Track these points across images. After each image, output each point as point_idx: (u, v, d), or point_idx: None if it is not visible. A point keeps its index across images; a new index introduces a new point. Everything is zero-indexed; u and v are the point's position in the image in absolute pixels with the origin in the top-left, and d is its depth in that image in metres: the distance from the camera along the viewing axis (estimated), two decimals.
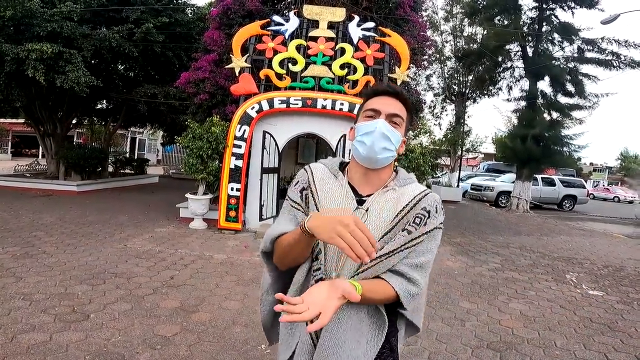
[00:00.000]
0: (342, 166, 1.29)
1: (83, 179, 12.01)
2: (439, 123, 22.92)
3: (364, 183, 1.21)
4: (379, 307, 1.16)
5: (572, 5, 14.33)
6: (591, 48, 14.36)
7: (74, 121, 14.72)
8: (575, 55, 14.68)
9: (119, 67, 13.00)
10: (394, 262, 1.12)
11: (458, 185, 18.24)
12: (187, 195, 7.48)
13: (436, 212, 1.17)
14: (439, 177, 21.13)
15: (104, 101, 14.36)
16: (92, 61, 11.06)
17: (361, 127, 1.19)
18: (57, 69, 9.32)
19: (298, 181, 1.29)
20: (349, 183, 1.22)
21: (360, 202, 1.19)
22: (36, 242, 5.69)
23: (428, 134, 24.43)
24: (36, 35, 9.27)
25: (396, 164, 1.29)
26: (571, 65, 14.65)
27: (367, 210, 1.17)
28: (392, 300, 1.11)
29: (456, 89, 20.61)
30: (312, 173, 1.27)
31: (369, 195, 1.20)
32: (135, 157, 21.15)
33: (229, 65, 7.60)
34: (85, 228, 6.78)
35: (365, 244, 0.91)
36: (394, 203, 1.18)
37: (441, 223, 1.19)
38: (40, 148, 16.00)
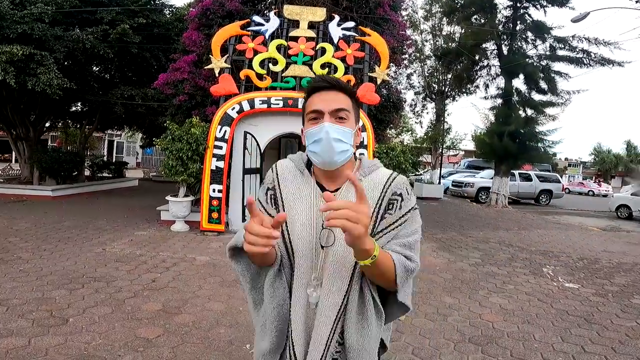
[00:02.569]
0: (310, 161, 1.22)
1: (58, 184, 11.67)
2: (420, 121, 23.31)
3: (328, 179, 1.16)
4: (376, 299, 1.09)
5: (545, 3, 14.73)
6: (563, 46, 14.79)
7: (47, 124, 14.33)
8: (548, 53, 15.10)
9: (94, 68, 12.70)
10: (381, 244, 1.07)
11: (439, 182, 18.53)
12: (168, 197, 7.37)
13: (408, 193, 1.14)
14: (420, 174, 21.42)
15: (79, 103, 14.02)
16: (65, 63, 10.78)
17: (309, 134, 1.12)
18: (28, 72, 9.07)
19: (265, 181, 1.24)
20: (315, 180, 1.17)
21: None
22: (11, 247, 5.52)
23: (410, 132, 24.74)
24: (6, 37, 8.99)
25: (356, 153, 1.23)
26: (544, 63, 15.06)
27: None
28: (390, 280, 1.03)
29: (436, 88, 20.95)
30: (277, 172, 1.23)
31: (336, 190, 1.15)
32: (113, 160, 20.73)
33: (209, 66, 7.53)
34: (62, 233, 6.61)
35: (263, 233, 0.88)
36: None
37: (415, 204, 1.15)
38: (13, 152, 15.49)
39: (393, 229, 1.10)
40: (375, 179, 1.16)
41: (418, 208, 1.17)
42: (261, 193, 1.23)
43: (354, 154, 1.19)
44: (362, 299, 1.09)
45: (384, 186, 1.14)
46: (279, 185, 1.19)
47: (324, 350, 1.07)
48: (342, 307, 1.08)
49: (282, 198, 1.17)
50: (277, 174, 1.22)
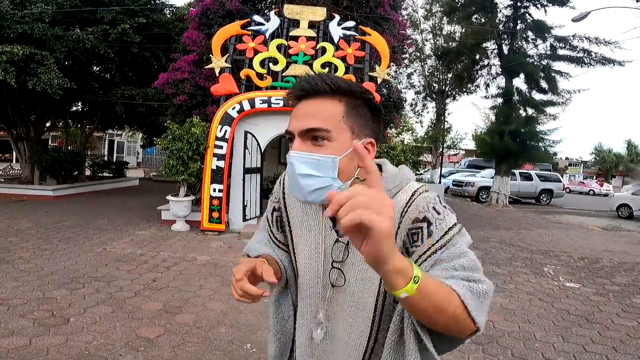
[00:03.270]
0: None
1: (59, 183, 11.68)
2: (420, 120, 23.28)
3: None
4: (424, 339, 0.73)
5: (545, 3, 14.72)
6: (563, 45, 14.76)
7: (48, 124, 14.31)
8: (549, 52, 15.08)
9: (95, 68, 12.71)
10: None
11: (440, 182, 18.52)
12: (169, 197, 7.38)
13: (439, 213, 0.82)
14: (421, 174, 21.42)
15: (80, 103, 14.01)
16: (66, 63, 10.78)
17: None
18: (28, 71, 9.07)
19: (272, 197, 1.06)
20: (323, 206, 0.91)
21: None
22: (12, 247, 5.52)
23: (410, 131, 24.74)
24: (6, 37, 9.00)
25: (379, 162, 0.93)
26: (544, 62, 15.05)
27: (347, 245, 0.89)
28: (454, 317, 0.68)
29: (436, 87, 20.95)
30: (283, 189, 1.02)
31: None
32: (114, 160, 20.74)
33: (209, 66, 7.53)
34: (63, 233, 6.62)
35: (251, 293, 0.80)
36: None
37: (456, 223, 0.83)
38: (14, 152, 15.50)
39: (426, 258, 0.78)
40: (399, 204, 0.84)
41: (461, 226, 0.84)
42: (268, 210, 1.07)
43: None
44: (398, 346, 0.79)
45: (401, 213, 0.83)
46: (285, 208, 1.01)
47: None
48: (367, 357, 0.88)
49: (289, 225, 1.00)
50: (283, 191, 1.02)
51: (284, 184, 1.02)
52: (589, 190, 31.99)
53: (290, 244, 1.01)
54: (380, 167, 0.92)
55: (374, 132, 0.87)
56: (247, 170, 7.33)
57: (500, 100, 15.93)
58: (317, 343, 0.94)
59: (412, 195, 0.84)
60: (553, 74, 14.90)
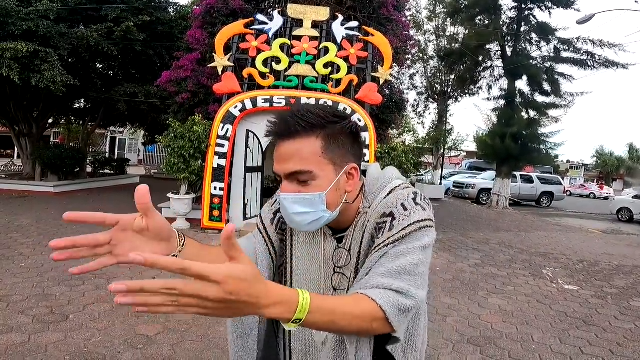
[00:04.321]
0: None
1: (60, 180, 11.71)
2: (422, 122, 23.38)
3: (338, 219, 0.91)
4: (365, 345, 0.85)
5: (550, 5, 14.70)
6: (567, 48, 14.76)
7: (50, 121, 14.37)
8: (552, 54, 15.07)
9: (98, 66, 12.74)
10: (358, 279, 0.85)
11: (441, 183, 18.51)
12: (170, 195, 7.39)
13: (404, 210, 0.85)
14: (422, 175, 21.41)
15: (82, 100, 14.05)
16: (70, 60, 10.82)
17: None
18: (32, 68, 9.10)
19: (274, 199, 1.04)
20: None
21: (340, 239, 0.94)
22: (12, 244, 5.54)
23: (411, 132, 24.74)
24: (11, 34, 9.03)
25: (364, 168, 0.98)
26: (548, 64, 15.04)
27: (349, 251, 0.92)
28: (372, 327, 0.75)
29: (439, 88, 20.96)
30: None
31: (345, 229, 0.93)
32: (115, 157, 20.77)
33: (212, 64, 7.54)
34: (63, 229, 6.63)
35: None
36: (362, 229, 0.90)
37: (421, 220, 0.84)
38: (16, 148, 15.54)
39: (377, 250, 0.83)
40: (376, 202, 0.90)
41: (429, 226, 0.86)
42: (268, 209, 1.04)
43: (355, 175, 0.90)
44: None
45: (374, 212, 0.88)
46: None
47: None
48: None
49: (291, 231, 0.99)
50: None
51: None
52: (590, 194, 31.93)
53: (288, 251, 1.00)
54: (364, 172, 0.97)
55: (356, 156, 0.90)
56: (248, 169, 7.35)
57: (502, 102, 15.93)
58: (319, 346, 0.92)
59: (389, 193, 0.89)
60: (556, 77, 14.89)
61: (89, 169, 15.00)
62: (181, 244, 0.80)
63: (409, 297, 0.77)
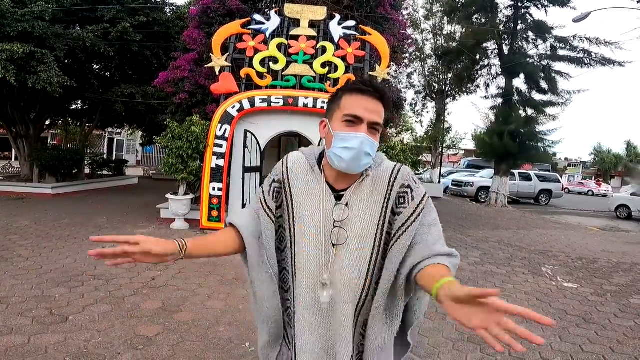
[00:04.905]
0: (322, 157, 1.19)
1: (58, 181, 11.67)
2: (420, 120, 23.29)
3: (338, 178, 1.13)
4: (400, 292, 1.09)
5: (546, 3, 14.72)
6: (563, 46, 14.78)
7: (47, 122, 14.30)
8: (549, 53, 15.09)
9: (95, 66, 12.68)
10: (404, 245, 1.05)
11: (439, 182, 18.54)
12: (168, 195, 7.38)
13: (415, 183, 1.12)
14: (420, 173, 21.42)
15: (79, 101, 13.99)
16: (66, 61, 10.76)
17: (341, 137, 1.07)
18: (28, 70, 9.05)
19: (273, 174, 1.23)
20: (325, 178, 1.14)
21: (339, 197, 1.11)
22: (11, 245, 5.53)
23: (410, 131, 24.74)
24: (6, 35, 8.98)
25: None
26: (545, 62, 15.06)
27: (347, 205, 1.10)
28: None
29: (436, 87, 20.96)
30: (287, 166, 1.20)
31: (345, 190, 1.12)
32: (113, 158, 20.73)
33: (209, 65, 7.52)
34: (62, 231, 6.62)
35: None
36: (371, 189, 1.11)
37: (425, 192, 1.12)
38: (13, 150, 15.49)
39: (413, 221, 1.07)
40: (380, 173, 1.14)
41: (429, 196, 1.14)
42: (266, 183, 1.22)
43: None
44: (390, 294, 1.09)
45: (390, 179, 1.12)
46: (289, 181, 1.17)
47: (353, 344, 1.11)
48: (362, 302, 1.10)
49: (291, 194, 1.16)
50: (287, 168, 1.19)
51: (287, 162, 1.20)
52: (588, 191, 32.02)
53: (289, 212, 1.16)
54: None
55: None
56: (246, 169, 7.34)
57: (500, 100, 15.95)
58: (323, 307, 1.09)
59: (395, 167, 1.15)
60: (553, 75, 14.92)
61: (87, 171, 14.94)
62: (183, 251, 1.04)
63: (454, 256, 1.05)
